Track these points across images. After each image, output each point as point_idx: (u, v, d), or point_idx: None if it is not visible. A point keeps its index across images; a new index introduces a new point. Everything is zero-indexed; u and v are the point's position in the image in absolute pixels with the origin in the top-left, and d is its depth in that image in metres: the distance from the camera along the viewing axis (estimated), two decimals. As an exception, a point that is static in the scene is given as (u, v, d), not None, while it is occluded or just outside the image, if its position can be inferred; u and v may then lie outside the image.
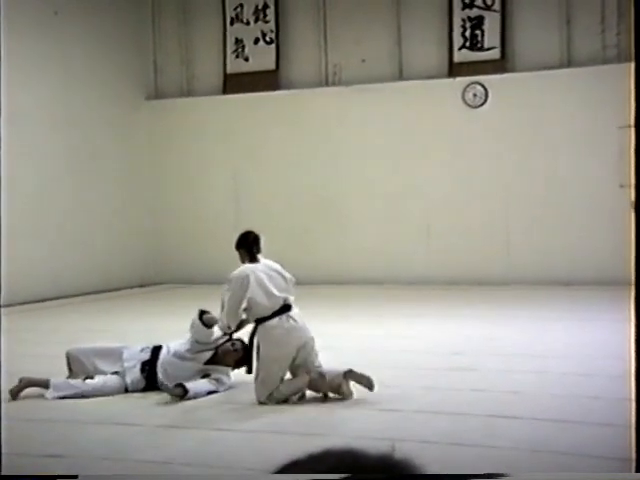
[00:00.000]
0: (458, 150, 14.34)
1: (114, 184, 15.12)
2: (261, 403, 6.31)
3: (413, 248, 14.47)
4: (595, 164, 13.40)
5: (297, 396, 6.39)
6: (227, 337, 6.76)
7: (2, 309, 12.03)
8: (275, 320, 6.37)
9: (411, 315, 11.09)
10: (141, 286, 15.18)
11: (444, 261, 14.34)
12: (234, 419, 6.00)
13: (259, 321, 6.40)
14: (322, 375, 6.34)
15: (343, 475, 1.02)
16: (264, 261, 6.65)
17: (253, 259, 6.61)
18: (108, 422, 6.01)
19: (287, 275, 6.63)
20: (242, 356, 6.74)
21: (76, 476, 4.48)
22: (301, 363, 6.40)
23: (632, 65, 3.17)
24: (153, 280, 15.57)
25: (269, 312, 6.38)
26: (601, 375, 6.89)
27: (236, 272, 6.56)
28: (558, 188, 13.92)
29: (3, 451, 5.27)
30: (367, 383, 6.26)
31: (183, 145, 15.70)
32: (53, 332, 10.41)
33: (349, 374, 6.31)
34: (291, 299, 6.51)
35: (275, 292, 6.43)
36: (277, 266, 6.66)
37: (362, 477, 1.03)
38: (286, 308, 6.44)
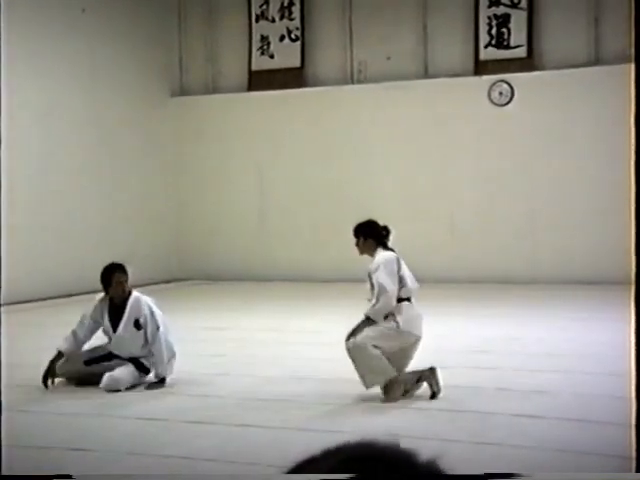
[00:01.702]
0: (484, 148, 14.29)
1: (139, 180, 15.19)
2: (350, 342, 6.28)
3: (437, 246, 14.43)
4: (623, 163, 13.28)
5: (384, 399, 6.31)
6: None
7: (26, 305, 12.14)
8: (409, 303, 6.46)
9: (435, 314, 11.01)
10: (166, 282, 15.24)
11: (468, 259, 14.29)
12: (257, 415, 6.01)
13: (398, 300, 6.42)
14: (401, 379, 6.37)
15: (354, 474, 1.02)
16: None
17: (387, 248, 6.54)
18: (133, 417, 6.04)
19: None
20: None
21: (70, 476, 4.52)
22: (402, 359, 6.39)
23: (632, 66, 3.15)
24: (177, 276, 15.64)
25: (406, 295, 6.44)
26: (626, 375, 6.83)
27: (383, 258, 6.43)
28: (585, 187, 13.83)
29: (29, 444, 5.31)
30: (436, 389, 6.29)
31: (208, 142, 15.74)
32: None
33: (427, 375, 6.34)
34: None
35: (413, 278, 6.53)
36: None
37: (376, 473, 1.03)
38: (410, 299, 6.50)
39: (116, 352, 7.12)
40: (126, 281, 7.09)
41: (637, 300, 3.11)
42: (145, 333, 7.03)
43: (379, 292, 6.35)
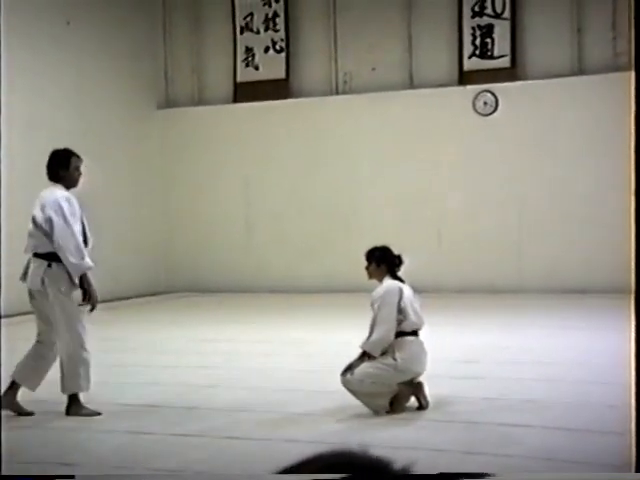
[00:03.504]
0: (469, 158, 14.34)
1: (126, 192, 15.17)
2: (349, 388, 6.18)
3: (424, 255, 14.44)
4: (608, 172, 13.37)
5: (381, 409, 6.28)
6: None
7: (17, 318, 12.08)
8: (412, 338, 6.30)
9: (422, 323, 11.06)
10: (154, 294, 15.21)
11: (455, 268, 14.32)
12: (247, 427, 6.00)
13: (398, 335, 6.25)
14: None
15: (337, 476, 1.03)
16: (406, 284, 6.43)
17: (396, 277, 6.39)
18: (123, 430, 6.01)
19: (418, 301, 6.49)
20: None
21: (73, 476, 4.49)
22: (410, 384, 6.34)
23: (632, 67, 3.18)
24: (165, 288, 15.60)
25: (410, 329, 6.28)
26: (615, 383, 6.86)
27: (385, 288, 6.29)
28: (569, 196, 13.90)
29: (19, 459, 5.29)
30: (424, 403, 6.27)
31: (194, 154, 15.75)
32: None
33: (415, 389, 6.31)
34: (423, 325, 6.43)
35: (419, 313, 6.37)
36: (411, 289, 6.45)
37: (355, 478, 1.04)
38: (416, 333, 6.36)
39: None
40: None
41: (637, 308, 3.13)
42: None
43: (374, 324, 6.24)
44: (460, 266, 14.31)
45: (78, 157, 6.42)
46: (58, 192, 6.33)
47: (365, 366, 6.18)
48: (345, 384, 6.22)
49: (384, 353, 6.21)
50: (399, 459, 1.08)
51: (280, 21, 15.32)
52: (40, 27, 13.54)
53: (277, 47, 15.36)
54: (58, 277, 6.22)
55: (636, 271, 3.19)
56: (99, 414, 6.32)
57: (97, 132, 14.57)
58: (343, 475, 1.03)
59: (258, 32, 15.44)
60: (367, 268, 6.48)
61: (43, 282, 6.25)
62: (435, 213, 14.49)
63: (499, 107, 14.21)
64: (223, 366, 8.45)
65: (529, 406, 6.40)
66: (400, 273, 6.48)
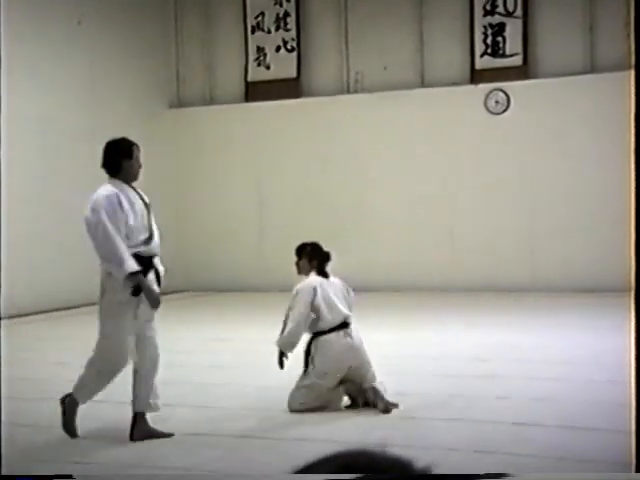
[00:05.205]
0: (480, 157, 14.32)
1: (137, 192, 15.19)
2: (292, 411, 6.30)
3: (436, 255, 14.45)
4: (620, 170, 13.31)
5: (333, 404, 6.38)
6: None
7: (26, 317, 12.14)
8: (333, 335, 6.34)
9: (434, 322, 11.07)
10: (163, 294, 15.22)
11: (467, 268, 14.30)
12: (259, 426, 6.01)
13: (316, 334, 6.36)
14: (375, 394, 6.33)
15: (355, 475, 1.04)
16: (332, 278, 6.56)
17: (321, 273, 6.51)
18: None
19: (351, 292, 6.61)
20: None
21: (71, 476, 4.52)
22: (353, 380, 6.36)
23: (632, 65, 3.17)
24: (177, 288, 15.62)
25: (327, 327, 6.34)
26: (625, 382, 6.84)
27: (303, 284, 6.44)
28: (582, 194, 13.86)
29: (27, 458, 5.31)
30: (383, 407, 6.20)
31: (206, 153, 15.77)
32: (78, 340, 10.46)
33: (370, 390, 6.29)
34: (350, 317, 6.46)
35: (339, 307, 6.40)
36: (341, 282, 6.59)
37: (373, 477, 1.04)
38: (344, 325, 6.40)
39: (153, 252, 5.93)
40: None
41: (637, 307, 3.13)
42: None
43: (285, 321, 6.40)
44: (472, 265, 14.29)
45: (138, 147, 5.91)
46: (101, 190, 5.80)
47: (296, 387, 6.33)
48: (292, 410, 6.29)
49: (308, 356, 6.33)
50: (415, 459, 1.09)
51: (291, 20, 15.33)
52: (51, 26, 13.59)
53: (288, 46, 15.37)
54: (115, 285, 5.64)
55: (636, 268, 3.19)
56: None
57: (108, 131, 14.53)
58: (362, 474, 1.03)
59: (269, 31, 15.45)
60: (297, 263, 6.63)
61: (103, 292, 5.73)
62: (447, 212, 14.48)
63: (511, 106, 14.19)
64: (235, 365, 8.46)
65: (541, 405, 6.39)
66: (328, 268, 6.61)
